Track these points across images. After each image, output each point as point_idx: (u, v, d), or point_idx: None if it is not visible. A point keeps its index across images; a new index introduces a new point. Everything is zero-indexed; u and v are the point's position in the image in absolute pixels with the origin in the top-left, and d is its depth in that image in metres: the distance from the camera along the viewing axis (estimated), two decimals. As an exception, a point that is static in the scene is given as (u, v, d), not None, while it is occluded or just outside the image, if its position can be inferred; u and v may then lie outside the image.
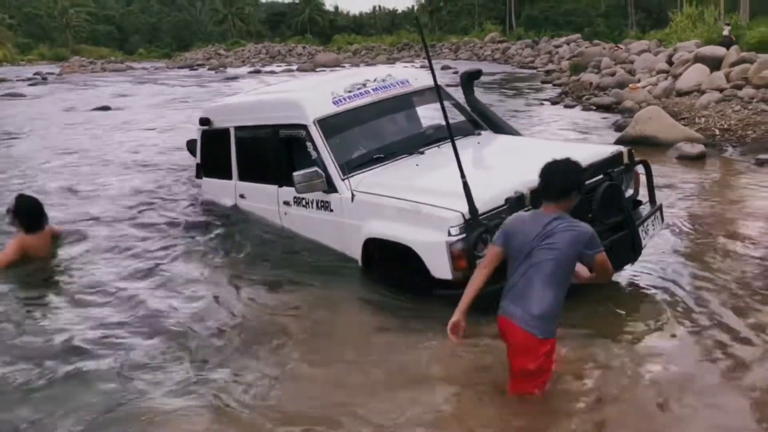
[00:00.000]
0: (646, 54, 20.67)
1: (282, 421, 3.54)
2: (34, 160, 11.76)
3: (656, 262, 5.42)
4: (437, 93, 4.65)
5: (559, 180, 3.34)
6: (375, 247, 4.97)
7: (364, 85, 5.97)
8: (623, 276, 5.11)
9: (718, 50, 15.36)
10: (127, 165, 10.94)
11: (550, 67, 32.23)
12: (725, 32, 18.61)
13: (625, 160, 5.15)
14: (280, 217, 6.04)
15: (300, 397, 3.79)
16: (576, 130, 13.10)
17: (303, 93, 6.14)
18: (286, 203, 5.90)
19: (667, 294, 4.87)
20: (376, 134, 5.97)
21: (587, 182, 4.63)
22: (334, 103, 5.71)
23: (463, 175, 4.23)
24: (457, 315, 3.42)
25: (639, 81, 17.22)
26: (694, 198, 7.64)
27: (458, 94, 6.55)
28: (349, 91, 5.84)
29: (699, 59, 15.20)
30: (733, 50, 15.09)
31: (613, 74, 19.14)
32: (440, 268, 4.43)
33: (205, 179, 7.35)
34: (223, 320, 4.83)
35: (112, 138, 14.45)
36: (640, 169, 5.43)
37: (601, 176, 4.82)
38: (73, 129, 16.36)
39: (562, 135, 12.53)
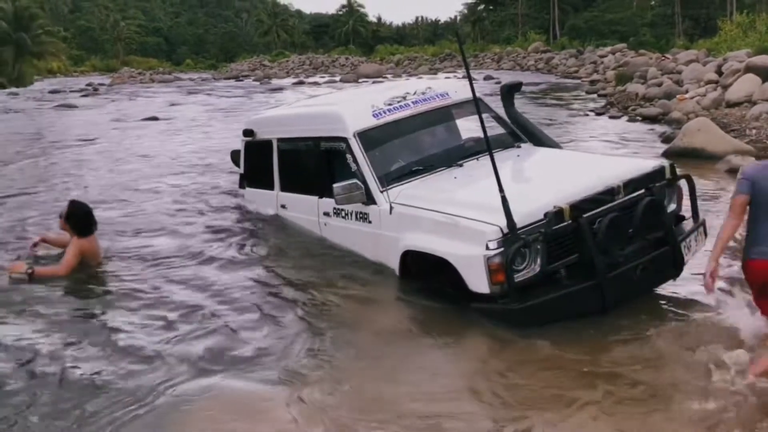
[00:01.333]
0: (694, 64, 20.23)
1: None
2: (83, 168, 12.16)
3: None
4: (476, 106, 4.65)
5: None
6: (413, 259, 4.97)
7: (404, 98, 6.00)
8: (666, 290, 5.03)
9: (771, 60, 14.93)
10: (174, 173, 11.18)
11: (595, 77, 31.81)
12: None
13: (668, 174, 5.05)
14: (320, 227, 6.11)
15: (374, 404, 3.80)
16: (621, 141, 12.89)
17: (343, 106, 6.20)
18: (326, 214, 5.96)
19: (712, 311, 4.66)
20: (416, 147, 6.01)
21: (628, 197, 4.66)
22: (374, 116, 5.76)
23: (501, 189, 4.24)
24: (712, 263, 3.85)
25: (687, 92, 16.87)
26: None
27: (499, 104, 6.51)
28: (389, 104, 5.88)
29: (750, 69, 14.80)
30: (786, 60, 14.66)
31: (659, 85, 18.80)
32: (477, 281, 4.40)
33: (248, 189, 7.50)
34: (272, 325, 4.91)
35: (158, 148, 14.74)
36: (685, 184, 5.27)
37: (642, 191, 4.76)
38: (122, 139, 16.78)
39: (607, 146, 12.34)
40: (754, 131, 11.55)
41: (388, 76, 43.52)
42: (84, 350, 4.59)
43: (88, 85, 47.22)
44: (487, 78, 34.38)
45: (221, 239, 7.02)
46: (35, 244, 6.47)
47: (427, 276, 4.92)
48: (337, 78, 44.64)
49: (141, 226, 7.68)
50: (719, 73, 16.95)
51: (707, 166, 9.69)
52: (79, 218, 6.10)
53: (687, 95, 16.30)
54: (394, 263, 5.15)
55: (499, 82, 32.92)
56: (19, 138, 17.53)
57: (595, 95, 23.47)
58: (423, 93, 6.10)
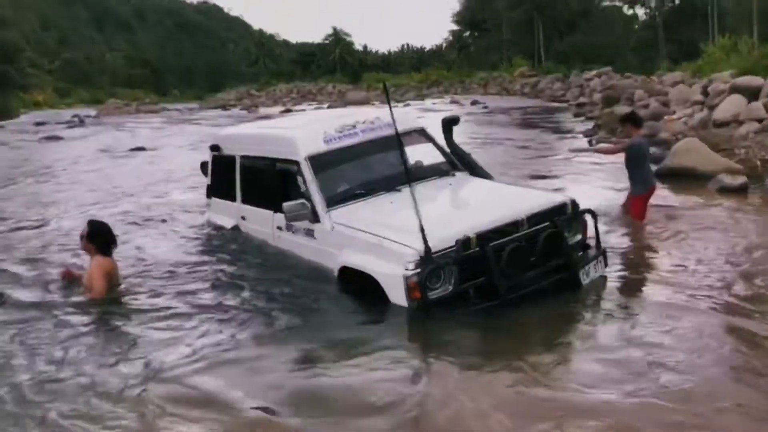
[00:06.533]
0: (680, 86, 20.40)
1: None
2: (68, 199, 12.05)
3: (697, 287, 5.47)
4: (398, 141, 5.36)
5: None
6: (349, 273, 5.43)
7: (354, 126, 6.55)
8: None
9: (755, 80, 15.00)
10: (156, 199, 11.40)
11: (582, 100, 31.98)
12: None
13: (569, 210, 5.64)
14: (274, 239, 6.64)
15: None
16: (609, 163, 12.83)
17: (298, 131, 6.72)
18: (279, 228, 6.47)
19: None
20: (361, 172, 6.48)
21: (531, 229, 5.28)
22: (325, 142, 6.33)
23: (419, 218, 4.84)
24: None
25: (674, 113, 16.94)
26: (736, 230, 7.34)
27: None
28: (340, 132, 6.46)
29: (735, 90, 14.87)
30: (770, 80, 14.72)
31: (647, 106, 18.90)
32: (398, 296, 4.98)
33: (213, 199, 8.08)
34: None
35: (145, 174, 14.86)
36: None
37: (546, 223, 5.35)
38: (107, 169, 16.70)
39: (595, 168, 12.31)
40: (743, 150, 11.54)
41: (375, 102, 43.67)
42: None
43: (74, 116, 47.01)
44: (474, 103, 34.70)
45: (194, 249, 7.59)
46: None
47: (361, 287, 5.33)
48: (325, 105, 44.66)
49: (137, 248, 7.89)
50: (705, 94, 17.05)
51: (698, 186, 9.65)
52: (103, 235, 6.19)
53: (675, 116, 16.35)
54: (334, 275, 5.62)
55: (486, 107, 33.26)
56: (3, 169, 17.34)
57: (582, 118, 23.55)
58: (372, 122, 6.66)
